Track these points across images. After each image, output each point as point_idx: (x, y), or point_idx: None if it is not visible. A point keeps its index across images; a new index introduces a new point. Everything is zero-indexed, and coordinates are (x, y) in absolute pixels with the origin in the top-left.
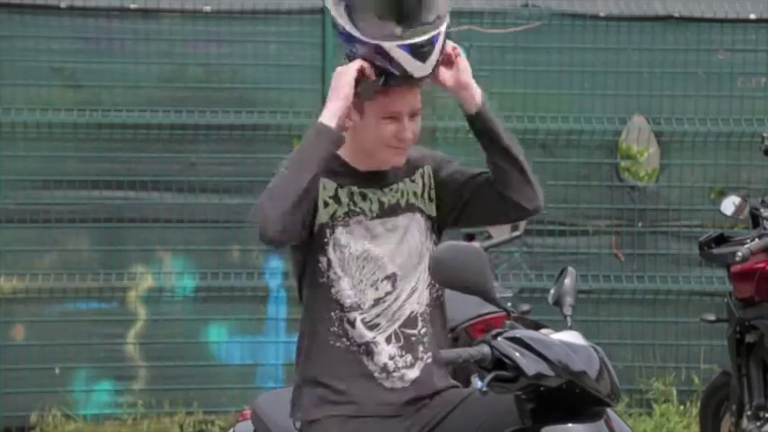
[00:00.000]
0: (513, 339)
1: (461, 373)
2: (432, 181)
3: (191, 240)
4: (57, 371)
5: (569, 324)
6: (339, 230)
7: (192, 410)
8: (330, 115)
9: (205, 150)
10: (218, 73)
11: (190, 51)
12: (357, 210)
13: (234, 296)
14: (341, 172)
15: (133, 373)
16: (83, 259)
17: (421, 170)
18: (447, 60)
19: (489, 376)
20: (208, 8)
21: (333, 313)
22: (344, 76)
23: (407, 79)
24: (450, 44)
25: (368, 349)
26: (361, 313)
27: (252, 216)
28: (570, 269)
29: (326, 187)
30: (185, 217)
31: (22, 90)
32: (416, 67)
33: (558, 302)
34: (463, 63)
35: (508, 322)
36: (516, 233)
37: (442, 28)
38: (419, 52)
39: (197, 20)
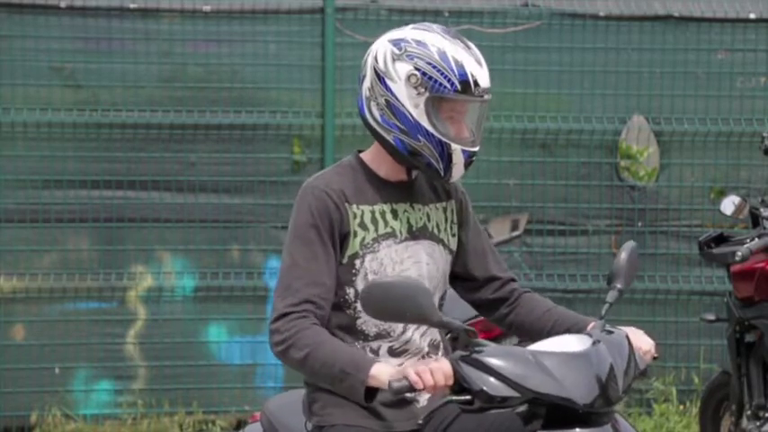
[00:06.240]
0: (474, 362)
1: None
2: (455, 217)
3: (190, 240)
4: (56, 371)
5: (603, 314)
6: (368, 259)
7: (191, 410)
8: (385, 378)
9: (205, 150)
10: (217, 73)
11: (189, 51)
12: (387, 231)
13: (233, 296)
14: (370, 188)
15: (133, 373)
16: (82, 259)
17: (447, 204)
18: None
19: (459, 405)
20: (207, 8)
21: (357, 343)
22: (441, 388)
23: (439, 180)
24: None
25: None
26: (390, 341)
27: (277, 334)
28: (629, 243)
29: (356, 215)
30: (185, 217)
31: (22, 90)
32: (459, 173)
33: (610, 281)
34: None
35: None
36: (516, 233)
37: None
38: (470, 161)
39: (197, 19)
